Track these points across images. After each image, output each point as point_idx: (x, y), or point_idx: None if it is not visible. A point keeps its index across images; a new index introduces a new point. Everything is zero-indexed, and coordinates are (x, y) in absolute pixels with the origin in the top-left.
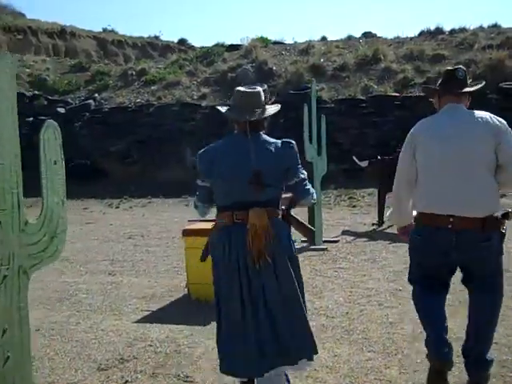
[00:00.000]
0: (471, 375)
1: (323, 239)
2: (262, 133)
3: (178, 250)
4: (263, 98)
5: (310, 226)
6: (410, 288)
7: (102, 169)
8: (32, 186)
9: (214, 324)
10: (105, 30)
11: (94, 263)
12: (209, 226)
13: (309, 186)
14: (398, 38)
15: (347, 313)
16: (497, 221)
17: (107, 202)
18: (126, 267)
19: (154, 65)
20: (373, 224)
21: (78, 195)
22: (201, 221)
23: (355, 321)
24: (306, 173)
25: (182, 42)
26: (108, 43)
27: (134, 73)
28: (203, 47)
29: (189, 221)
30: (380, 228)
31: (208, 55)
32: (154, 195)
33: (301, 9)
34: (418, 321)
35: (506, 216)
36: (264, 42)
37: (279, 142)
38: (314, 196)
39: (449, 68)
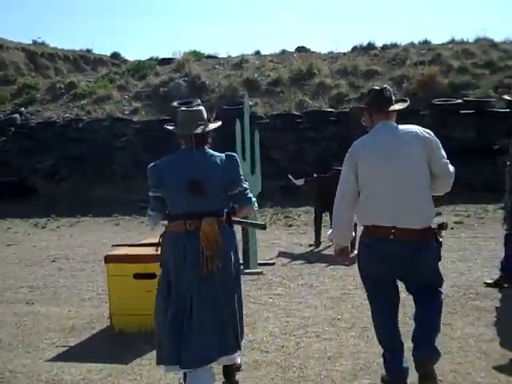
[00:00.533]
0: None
1: (258, 262)
2: (206, 147)
3: (103, 275)
4: (205, 115)
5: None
6: (347, 316)
7: (29, 186)
8: None
9: (135, 362)
10: (35, 43)
11: (10, 291)
12: (135, 251)
13: (251, 195)
14: (331, 52)
15: (283, 346)
16: (434, 231)
17: (33, 221)
18: (47, 295)
19: (83, 78)
20: (310, 245)
21: (1, 214)
22: (126, 245)
23: (291, 356)
24: (247, 183)
25: (115, 55)
26: (38, 56)
27: (62, 86)
28: (136, 61)
29: (113, 246)
30: (317, 249)
31: (140, 69)
32: (83, 214)
33: (234, 23)
34: (358, 355)
35: (441, 227)
36: (197, 55)
37: (223, 155)
38: (256, 204)
39: (376, 88)
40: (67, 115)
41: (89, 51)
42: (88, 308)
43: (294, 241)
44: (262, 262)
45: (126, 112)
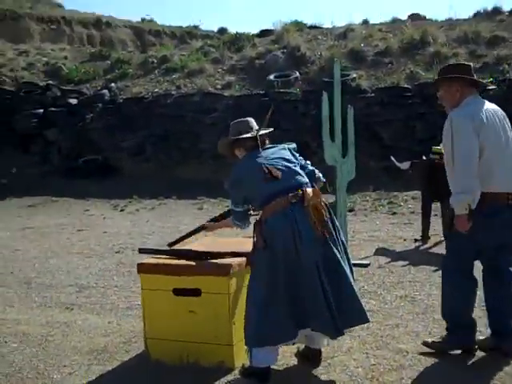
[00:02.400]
0: None
1: (351, 262)
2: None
3: None
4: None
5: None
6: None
7: (113, 165)
8: None
9: None
10: (143, 21)
11: (55, 290)
12: (173, 261)
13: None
14: (449, 20)
15: None
16: None
17: (113, 202)
18: (93, 297)
19: (177, 52)
20: (415, 240)
21: (85, 194)
22: (156, 251)
23: None
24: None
25: (222, 30)
26: (145, 33)
27: (155, 60)
28: (233, 33)
29: (140, 250)
30: (424, 246)
31: (237, 41)
32: (166, 196)
33: None
34: None
35: None
36: (298, 26)
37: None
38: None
39: (465, 63)
40: (156, 90)
41: (196, 27)
42: (132, 320)
43: (397, 234)
44: (354, 261)
45: (218, 86)
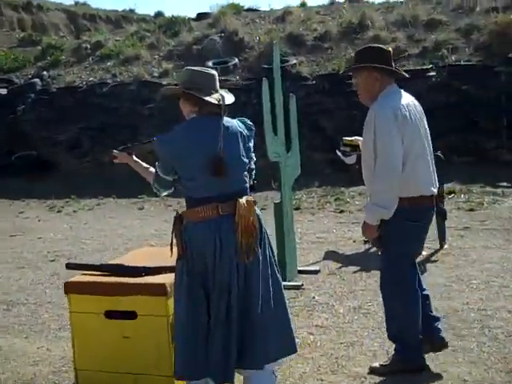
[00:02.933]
0: None
1: (298, 268)
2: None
3: None
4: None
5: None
6: None
7: (49, 161)
8: None
9: None
10: (77, 4)
11: None
12: (104, 278)
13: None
14: (387, 2)
15: None
16: None
17: (50, 203)
18: (22, 317)
19: (112, 37)
20: (364, 242)
21: (19, 194)
22: (85, 266)
23: None
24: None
25: (159, 14)
26: (79, 17)
27: (88, 46)
28: (168, 17)
29: (67, 265)
30: (374, 248)
31: (172, 25)
32: (106, 194)
33: None
34: None
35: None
36: (236, 8)
37: (239, 122)
38: None
39: (384, 48)
40: (91, 79)
41: (132, 11)
42: (63, 344)
43: (346, 234)
44: (302, 268)
45: (156, 74)
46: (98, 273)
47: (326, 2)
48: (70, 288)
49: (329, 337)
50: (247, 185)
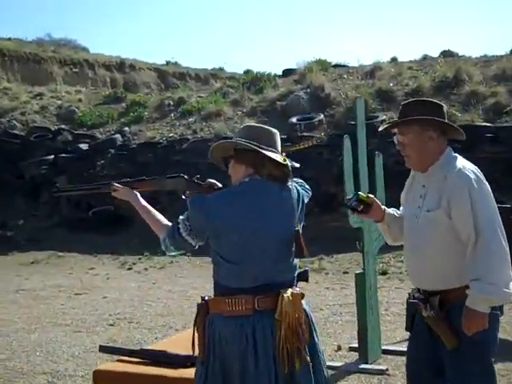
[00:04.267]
0: None
1: (383, 347)
2: None
3: None
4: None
5: None
6: None
7: (126, 216)
8: None
9: None
10: (168, 63)
11: (24, 380)
12: (140, 368)
13: None
14: (485, 56)
15: None
16: None
17: (122, 260)
18: None
19: (194, 93)
20: None
21: (92, 249)
22: (120, 350)
23: None
24: None
25: (248, 72)
26: (169, 75)
27: (171, 103)
28: (254, 73)
29: (101, 348)
30: None
31: (257, 81)
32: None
33: (368, 29)
34: None
35: None
36: (322, 65)
37: (297, 185)
38: None
39: (436, 101)
40: (171, 135)
41: (221, 69)
42: None
43: None
44: (387, 347)
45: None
46: (136, 359)
47: (418, 57)
48: (99, 378)
49: None
50: (293, 273)
